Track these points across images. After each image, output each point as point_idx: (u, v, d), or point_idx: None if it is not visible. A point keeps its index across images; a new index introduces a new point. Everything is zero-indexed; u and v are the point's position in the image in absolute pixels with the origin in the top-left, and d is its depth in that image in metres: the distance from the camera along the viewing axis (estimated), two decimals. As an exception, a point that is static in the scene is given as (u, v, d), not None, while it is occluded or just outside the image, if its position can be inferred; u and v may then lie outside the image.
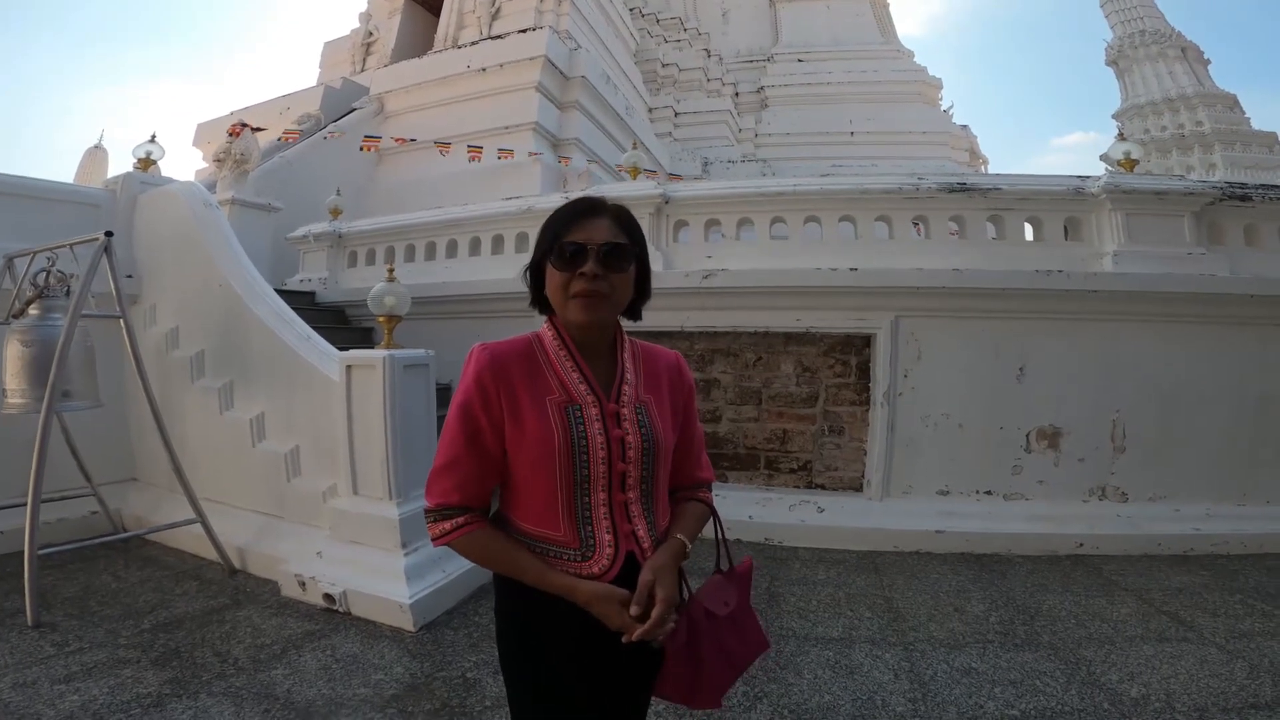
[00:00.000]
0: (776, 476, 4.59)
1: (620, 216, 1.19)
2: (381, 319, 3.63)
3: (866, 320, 4.37)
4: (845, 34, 18.21)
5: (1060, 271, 4.12)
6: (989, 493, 4.29)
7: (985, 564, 3.84)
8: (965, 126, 17.37)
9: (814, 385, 4.52)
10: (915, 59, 17.92)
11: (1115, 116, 27.23)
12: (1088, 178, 4.43)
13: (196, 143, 11.73)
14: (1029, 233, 4.56)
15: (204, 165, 11.22)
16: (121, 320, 3.60)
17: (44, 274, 3.55)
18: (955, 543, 4.04)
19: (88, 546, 3.71)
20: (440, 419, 3.78)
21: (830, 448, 4.51)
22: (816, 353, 4.51)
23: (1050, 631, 2.99)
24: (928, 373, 4.32)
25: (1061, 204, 4.42)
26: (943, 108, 17.70)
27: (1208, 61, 27.19)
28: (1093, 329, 4.22)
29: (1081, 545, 3.98)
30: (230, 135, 7.51)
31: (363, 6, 13.64)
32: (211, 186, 6.73)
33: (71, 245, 3.46)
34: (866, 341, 4.42)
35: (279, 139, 9.11)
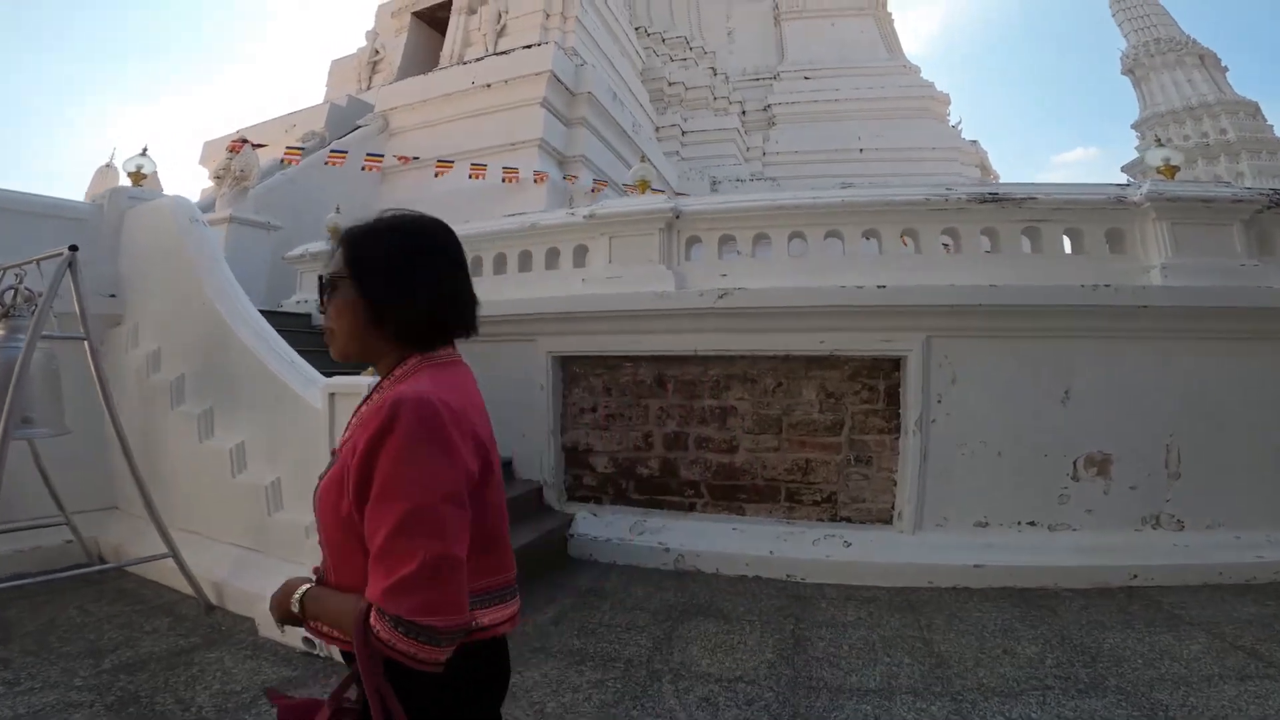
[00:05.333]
0: (798, 509, 4.27)
1: (346, 239, 1.11)
2: (373, 341, 3.36)
3: (896, 341, 4.08)
4: (851, 51, 18.19)
5: (1107, 286, 3.83)
6: (1032, 524, 3.97)
7: (1031, 599, 3.55)
8: (975, 141, 17.21)
9: (839, 412, 4.22)
10: (921, 75, 17.83)
11: (1135, 126, 26.79)
12: (1128, 185, 4.20)
13: (203, 160, 11.65)
14: (1068, 245, 4.28)
15: (210, 184, 11.14)
16: (86, 342, 3.34)
17: (11, 292, 3.30)
18: (997, 576, 3.75)
19: (59, 579, 3.47)
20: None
21: (857, 478, 4.19)
22: (841, 377, 4.22)
23: (1116, 674, 2.69)
24: (963, 397, 4.02)
25: (1102, 214, 4.15)
26: (951, 123, 17.56)
27: (1225, 69, 26.80)
28: (1142, 347, 3.93)
29: (1136, 577, 3.69)
30: (230, 151, 7.37)
31: (370, 25, 13.67)
32: (215, 204, 6.55)
33: (38, 261, 3.22)
34: (896, 364, 4.14)
35: (280, 160, 8.96)
